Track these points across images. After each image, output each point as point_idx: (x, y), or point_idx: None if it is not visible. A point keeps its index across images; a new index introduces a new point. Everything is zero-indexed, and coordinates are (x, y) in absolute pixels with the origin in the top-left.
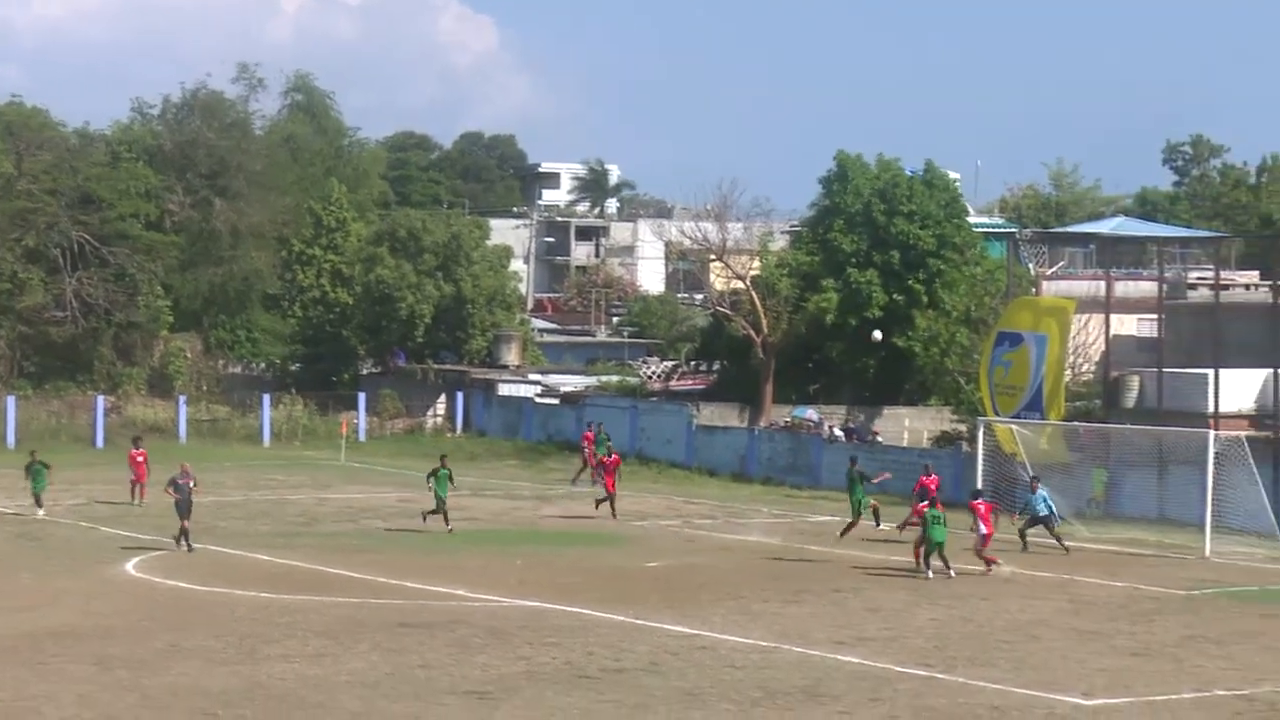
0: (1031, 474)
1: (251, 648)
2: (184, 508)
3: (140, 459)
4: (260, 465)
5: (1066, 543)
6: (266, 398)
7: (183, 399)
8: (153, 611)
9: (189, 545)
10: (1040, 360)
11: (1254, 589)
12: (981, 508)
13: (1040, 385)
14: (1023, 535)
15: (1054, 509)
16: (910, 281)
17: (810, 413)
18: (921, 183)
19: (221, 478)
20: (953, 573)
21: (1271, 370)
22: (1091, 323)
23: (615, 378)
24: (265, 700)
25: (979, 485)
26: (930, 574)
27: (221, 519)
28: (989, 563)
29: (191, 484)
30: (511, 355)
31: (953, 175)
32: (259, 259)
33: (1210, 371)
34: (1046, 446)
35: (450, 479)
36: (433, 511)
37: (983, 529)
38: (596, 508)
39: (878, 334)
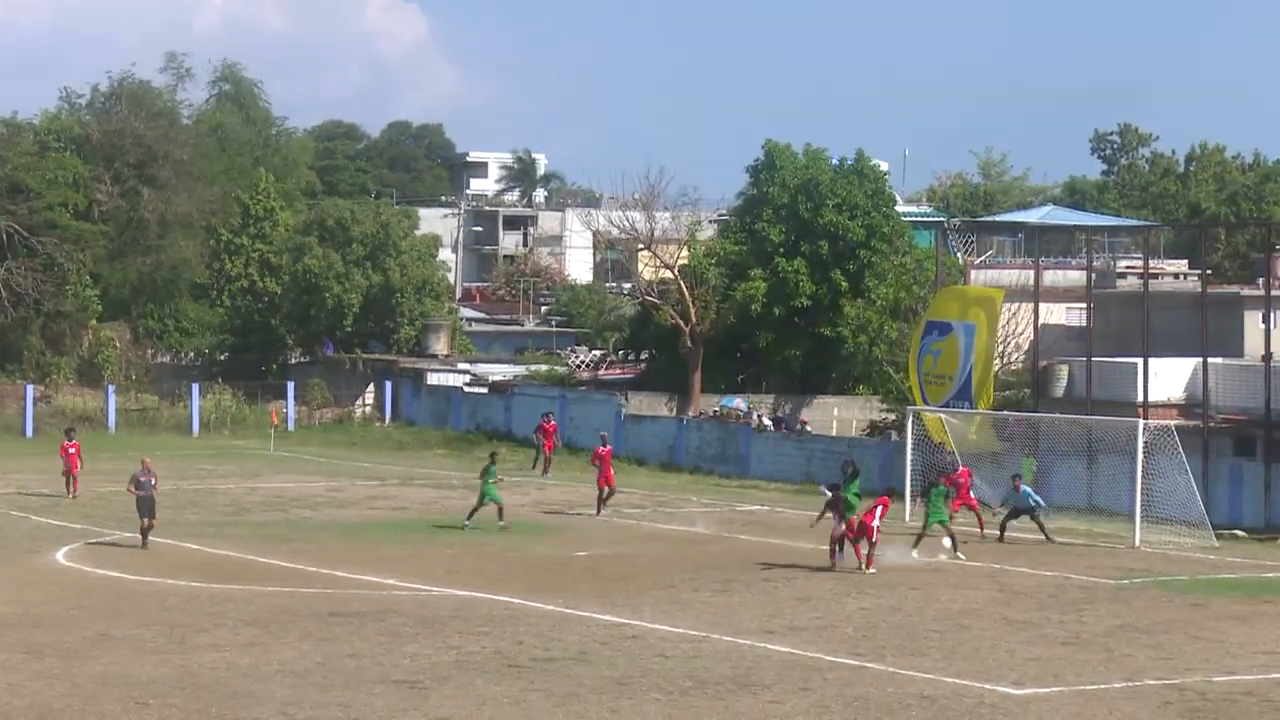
0: (1013, 473)
1: (181, 637)
2: (146, 505)
3: (73, 450)
4: (189, 455)
5: (1049, 533)
6: (195, 387)
7: (111, 388)
8: (83, 600)
9: (145, 543)
10: (969, 349)
11: (1183, 578)
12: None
13: (969, 374)
14: (1003, 528)
15: (1039, 500)
16: (837, 272)
17: (739, 402)
18: (850, 172)
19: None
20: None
21: (1200, 359)
22: (1020, 312)
23: (544, 367)
24: (195, 689)
25: (910, 473)
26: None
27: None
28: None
29: (153, 481)
30: (440, 344)
31: (880, 164)
32: (187, 248)
33: (1139, 360)
34: (975, 436)
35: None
36: (475, 510)
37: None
38: (598, 513)
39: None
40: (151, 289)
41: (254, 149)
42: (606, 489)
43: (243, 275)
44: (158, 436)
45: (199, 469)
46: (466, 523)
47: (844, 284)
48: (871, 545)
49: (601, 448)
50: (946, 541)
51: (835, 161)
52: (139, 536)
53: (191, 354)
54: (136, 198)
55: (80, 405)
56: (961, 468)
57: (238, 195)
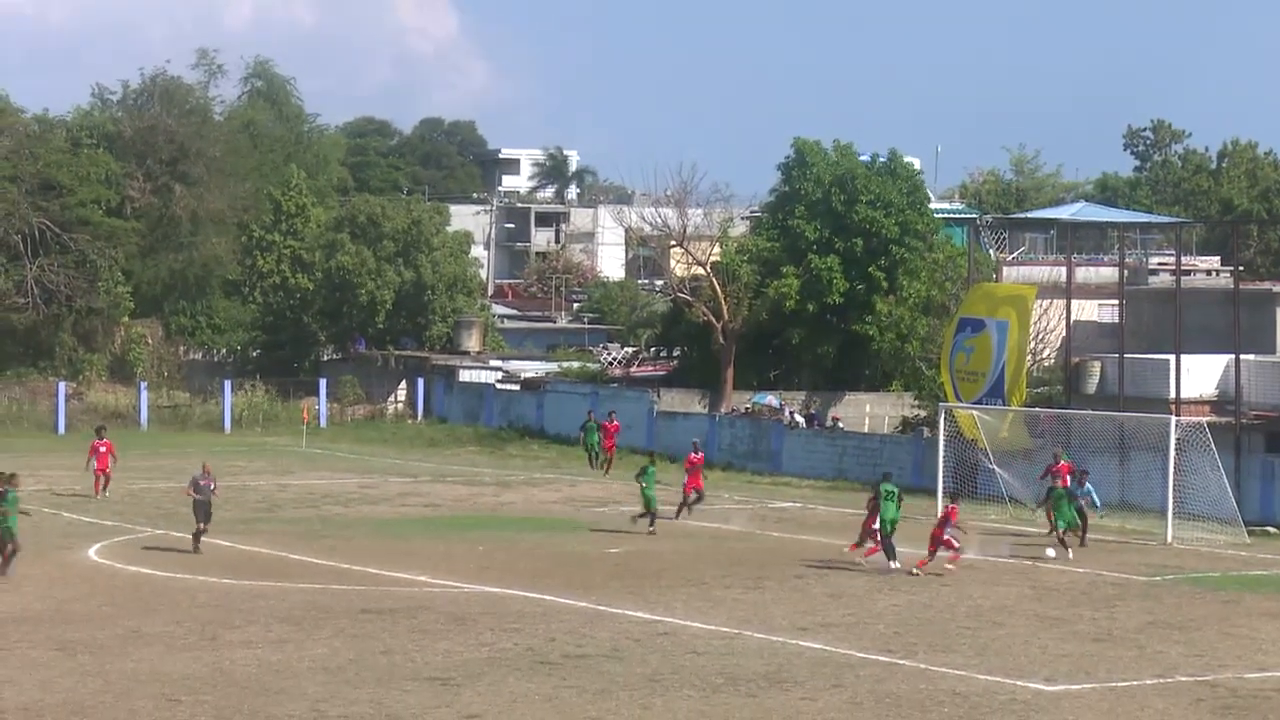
0: (1081, 468)
1: (213, 634)
2: (203, 509)
3: (104, 449)
4: (221, 451)
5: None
6: (227, 384)
7: (143, 385)
8: (114, 597)
9: (197, 546)
10: (1002, 346)
11: (1215, 575)
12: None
13: (1002, 371)
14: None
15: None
16: (871, 268)
17: (771, 399)
18: (884, 170)
19: (183, 464)
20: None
21: (1232, 356)
22: (1053, 308)
23: (576, 364)
24: (227, 686)
25: (943, 470)
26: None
27: (183, 505)
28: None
29: (212, 485)
30: (472, 341)
31: (913, 161)
32: (219, 245)
33: (1171, 357)
34: (1007, 433)
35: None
36: (642, 514)
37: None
38: (678, 516)
39: None
40: (183, 286)
41: (286, 145)
42: (693, 494)
43: (275, 272)
44: (189, 433)
45: (231, 466)
46: (650, 529)
47: (883, 280)
48: (956, 550)
49: (694, 454)
50: (1050, 552)
51: (866, 158)
52: (190, 539)
53: (223, 351)
54: (168, 194)
55: (112, 402)
56: (1063, 463)
57: (269, 192)
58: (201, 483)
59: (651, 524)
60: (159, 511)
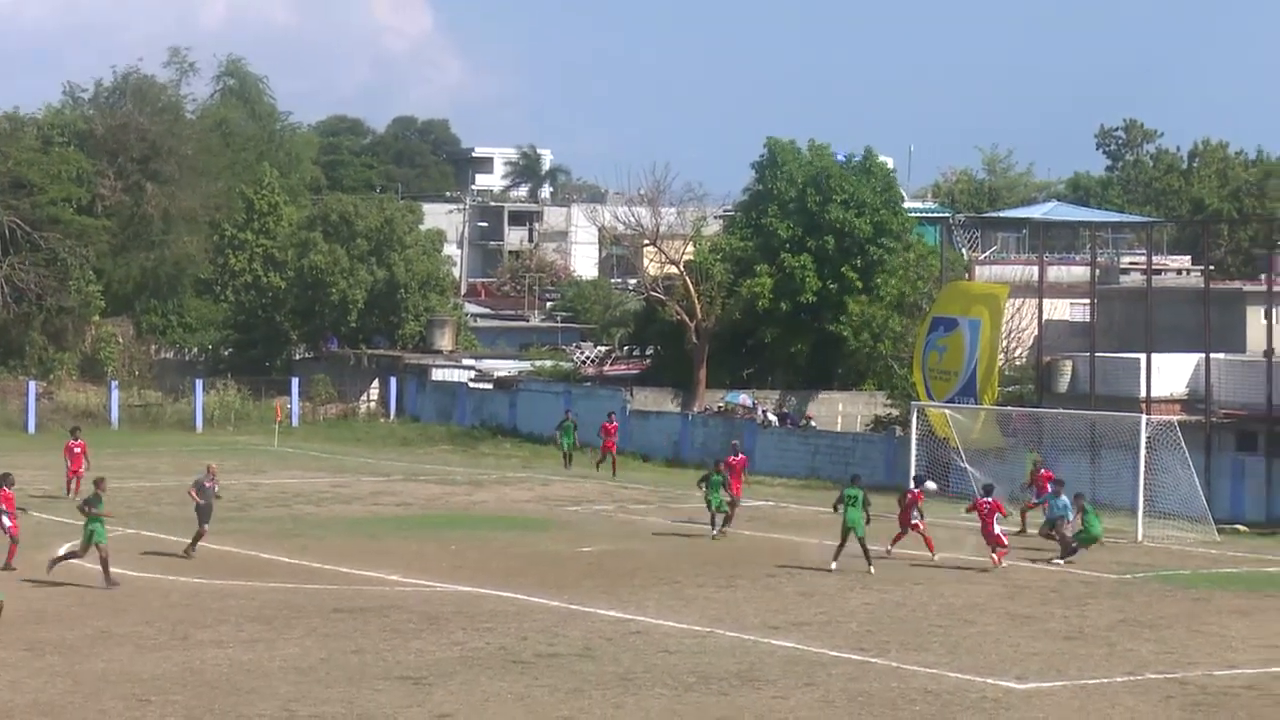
0: (1057, 478)
1: (184, 633)
2: (205, 513)
3: (78, 450)
4: (193, 451)
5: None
6: (199, 383)
7: (115, 384)
8: (84, 597)
9: (193, 549)
10: (974, 345)
11: (1186, 573)
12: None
13: (974, 370)
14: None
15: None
16: (845, 267)
17: (744, 398)
18: (858, 169)
19: (154, 463)
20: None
21: (1203, 355)
22: (1024, 307)
23: (549, 363)
24: (198, 686)
25: (914, 469)
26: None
27: (154, 504)
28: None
29: (215, 488)
30: (445, 340)
31: (886, 160)
32: (191, 244)
33: (1142, 356)
34: (979, 433)
35: (724, 485)
36: (721, 520)
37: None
38: (713, 526)
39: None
40: (155, 284)
41: (258, 144)
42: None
43: (246, 270)
44: (161, 432)
45: (202, 465)
46: (719, 531)
47: (856, 279)
48: (1005, 547)
49: (733, 457)
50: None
51: (840, 158)
52: (189, 542)
53: (195, 350)
54: (140, 193)
55: (83, 401)
56: (1044, 470)
57: (241, 190)
58: (207, 484)
59: (715, 525)
60: (130, 511)
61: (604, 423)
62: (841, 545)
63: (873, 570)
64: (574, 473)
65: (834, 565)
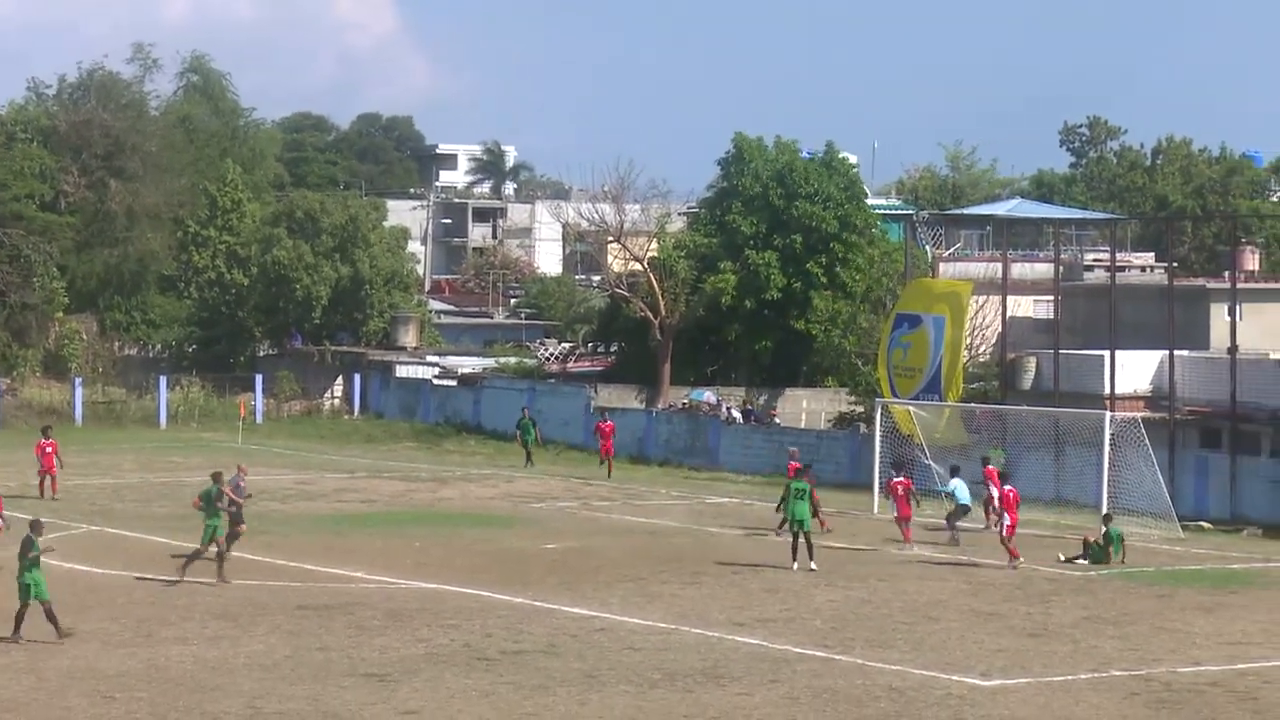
0: (952, 462)
1: (149, 630)
2: (237, 513)
3: (49, 449)
4: (157, 447)
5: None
6: (163, 379)
7: (78, 381)
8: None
9: (228, 550)
10: (939, 342)
11: (1150, 570)
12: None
13: (939, 367)
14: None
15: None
16: (809, 264)
17: (708, 395)
18: (821, 165)
19: (118, 460)
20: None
21: (1167, 351)
22: (988, 304)
23: (513, 359)
24: (163, 683)
25: (879, 466)
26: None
27: (118, 501)
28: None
29: (245, 491)
30: (409, 337)
31: (850, 157)
32: (154, 240)
33: (1106, 353)
34: (943, 430)
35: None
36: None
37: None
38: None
39: None
40: (118, 281)
41: (222, 140)
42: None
43: (210, 267)
44: (125, 429)
45: (167, 461)
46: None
47: (821, 275)
48: (1009, 539)
49: (794, 463)
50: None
51: (806, 154)
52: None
53: (159, 346)
54: (104, 189)
55: (46, 398)
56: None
57: (205, 187)
58: (241, 484)
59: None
60: (94, 508)
61: (599, 423)
62: (795, 543)
63: (814, 567)
64: (539, 470)
65: (795, 565)
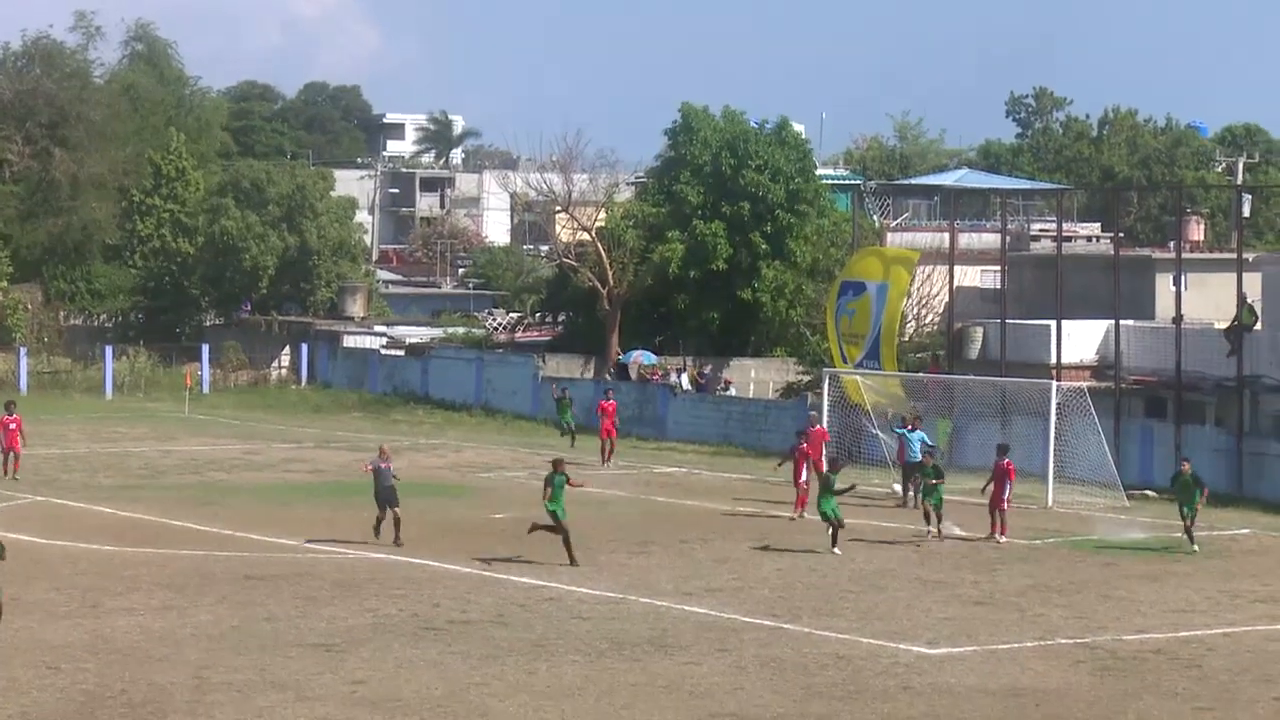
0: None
1: (95, 601)
2: (389, 495)
3: (13, 425)
4: (103, 417)
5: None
6: (109, 349)
7: (23, 351)
8: None
9: (397, 537)
10: (880, 309)
11: (1095, 538)
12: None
13: (879, 334)
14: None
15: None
16: (756, 234)
17: (637, 355)
18: (772, 136)
19: (64, 430)
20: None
21: (1112, 321)
22: (935, 274)
23: (461, 329)
24: (109, 653)
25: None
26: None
27: (64, 471)
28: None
29: (391, 469)
30: (356, 307)
31: (798, 127)
32: (99, 209)
33: (1052, 323)
34: (886, 397)
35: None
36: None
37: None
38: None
39: None
40: (63, 250)
41: (167, 109)
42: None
43: (155, 236)
44: (70, 399)
45: (112, 431)
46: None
47: (763, 246)
48: (1002, 515)
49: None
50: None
51: (754, 122)
52: (372, 531)
53: (104, 316)
54: (48, 158)
55: None
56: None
57: (150, 156)
58: (383, 466)
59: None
60: (39, 478)
61: (601, 401)
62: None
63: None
64: (483, 439)
65: (836, 550)
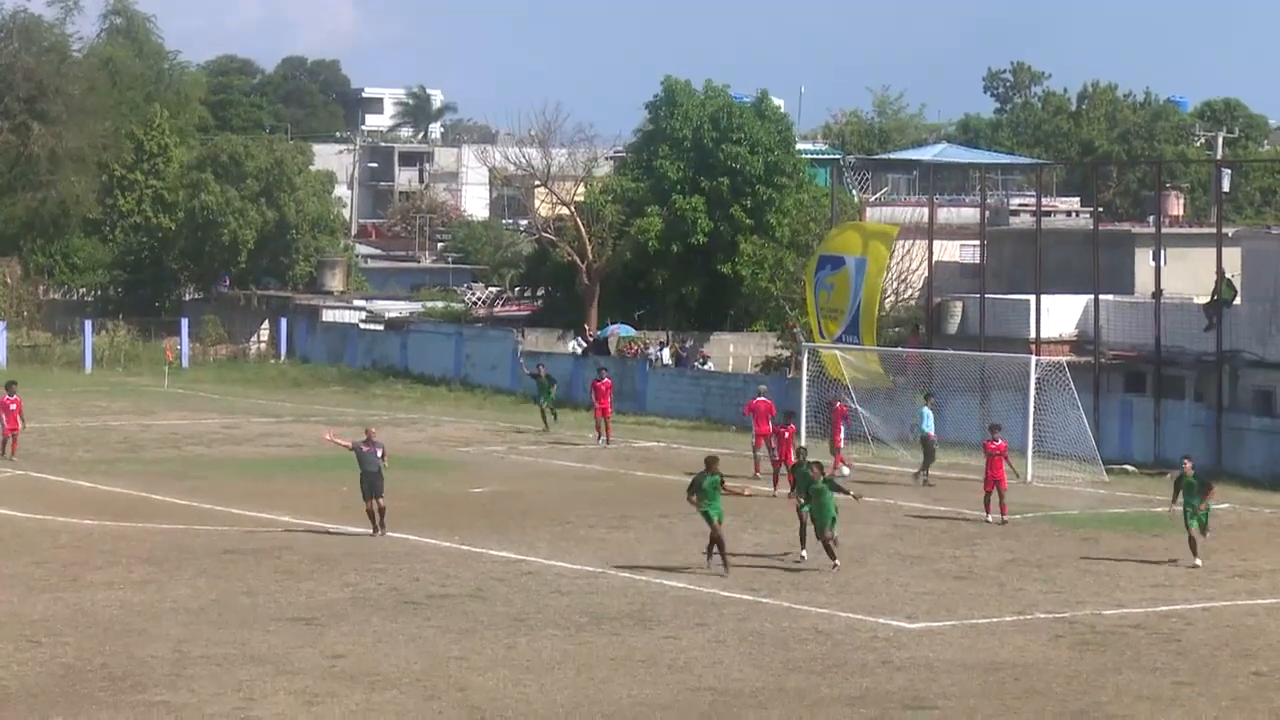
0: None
1: (74, 575)
2: (369, 482)
3: (13, 406)
4: (83, 392)
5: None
6: (88, 324)
7: (2, 325)
8: None
9: (381, 528)
10: (859, 284)
11: (1074, 513)
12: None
13: (858, 309)
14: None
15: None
16: (737, 207)
17: (614, 329)
18: (753, 111)
19: (44, 404)
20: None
21: (1092, 296)
22: (915, 249)
23: (440, 304)
24: (89, 627)
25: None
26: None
27: (44, 445)
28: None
29: (380, 454)
30: (335, 281)
31: (778, 102)
32: (78, 184)
33: (1032, 297)
34: (865, 372)
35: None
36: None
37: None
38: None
39: None
40: (41, 225)
41: (146, 84)
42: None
43: (135, 211)
44: (50, 373)
45: (92, 406)
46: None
47: (745, 220)
48: (1001, 494)
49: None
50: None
51: (737, 98)
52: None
53: (84, 290)
54: (27, 133)
55: None
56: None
57: (130, 130)
58: (365, 449)
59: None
60: (18, 453)
61: (594, 380)
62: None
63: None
64: (462, 413)
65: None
